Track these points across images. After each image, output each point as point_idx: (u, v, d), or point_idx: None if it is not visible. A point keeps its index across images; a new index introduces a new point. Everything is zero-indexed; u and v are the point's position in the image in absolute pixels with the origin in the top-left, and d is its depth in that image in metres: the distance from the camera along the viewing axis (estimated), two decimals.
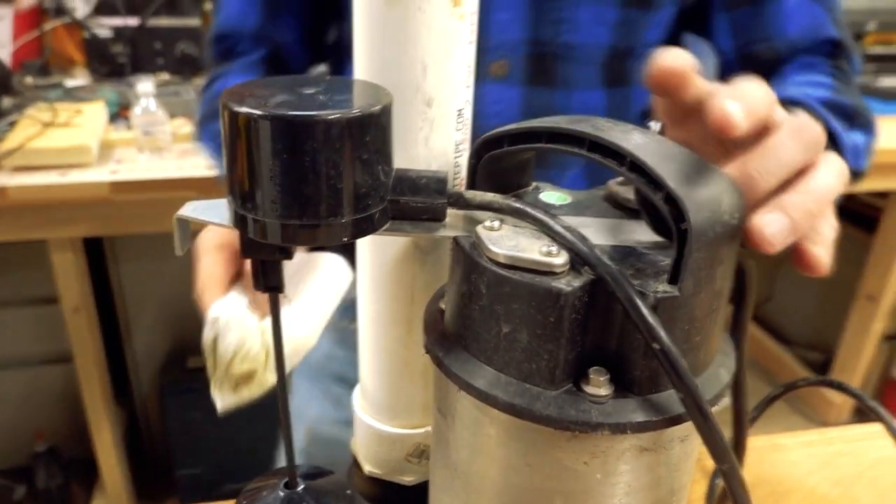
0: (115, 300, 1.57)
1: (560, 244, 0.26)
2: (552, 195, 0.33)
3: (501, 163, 0.32)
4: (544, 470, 0.27)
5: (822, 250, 0.31)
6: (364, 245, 0.37)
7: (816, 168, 0.30)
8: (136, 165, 1.19)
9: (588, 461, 0.27)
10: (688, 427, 0.28)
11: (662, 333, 0.24)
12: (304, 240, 0.27)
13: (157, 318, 1.61)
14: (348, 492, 0.37)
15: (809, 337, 2.20)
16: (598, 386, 0.26)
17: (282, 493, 0.36)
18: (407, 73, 0.31)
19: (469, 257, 0.27)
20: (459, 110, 0.33)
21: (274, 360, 0.36)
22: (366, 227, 0.28)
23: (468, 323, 0.28)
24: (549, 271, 0.25)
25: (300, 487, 0.36)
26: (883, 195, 1.82)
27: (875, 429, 0.67)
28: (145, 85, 1.20)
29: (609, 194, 0.32)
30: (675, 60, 0.29)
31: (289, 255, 0.30)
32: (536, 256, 0.25)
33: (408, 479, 0.41)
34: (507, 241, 0.26)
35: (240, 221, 0.28)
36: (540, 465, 0.27)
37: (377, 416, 0.40)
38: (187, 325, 1.62)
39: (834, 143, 0.49)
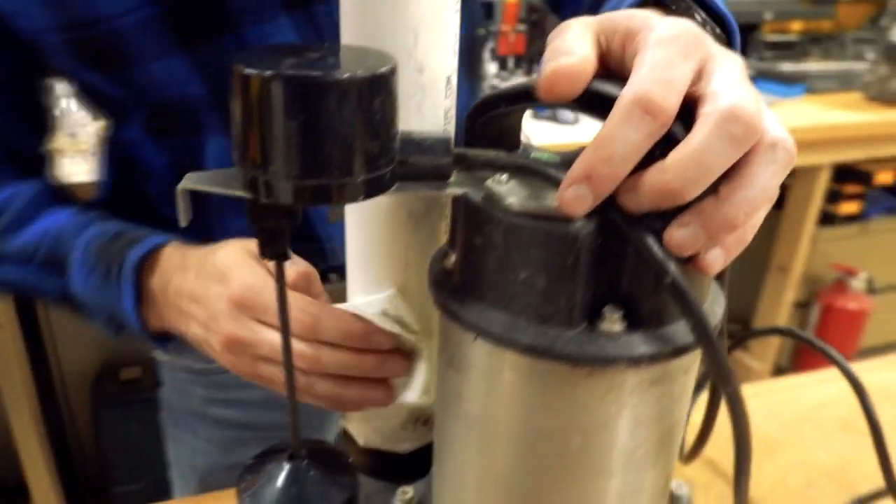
0: (39, 314, 1.49)
1: None
2: (542, 154, 0.34)
3: (493, 126, 0.33)
4: (562, 409, 0.29)
5: (720, 252, 0.27)
6: (355, 214, 0.37)
7: (751, 168, 0.26)
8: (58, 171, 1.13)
9: (603, 396, 0.28)
10: (690, 359, 0.30)
11: (672, 267, 0.26)
12: (317, 200, 0.28)
13: (84, 329, 1.54)
14: (350, 460, 0.37)
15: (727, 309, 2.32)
16: (613, 323, 0.27)
17: (286, 465, 0.36)
18: (399, 40, 0.32)
19: (482, 211, 0.28)
20: (448, 77, 0.34)
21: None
22: (377, 187, 0.28)
23: (482, 274, 0.29)
24: (563, 218, 0.26)
25: (303, 459, 0.36)
26: (790, 173, 1.94)
27: (814, 377, 0.72)
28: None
29: None
30: (558, 71, 0.26)
31: (296, 221, 0.30)
32: (551, 204, 0.27)
33: (404, 448, 0.42)
34: (519, 192, 0.28)
35: (251, 185, 0.28)
36: (558, 404, 0.29)
37: None
38: None
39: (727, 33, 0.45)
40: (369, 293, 0.39)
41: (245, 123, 0.27)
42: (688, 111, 0.26)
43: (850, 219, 1.98)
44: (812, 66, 2.04)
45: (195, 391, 0.67)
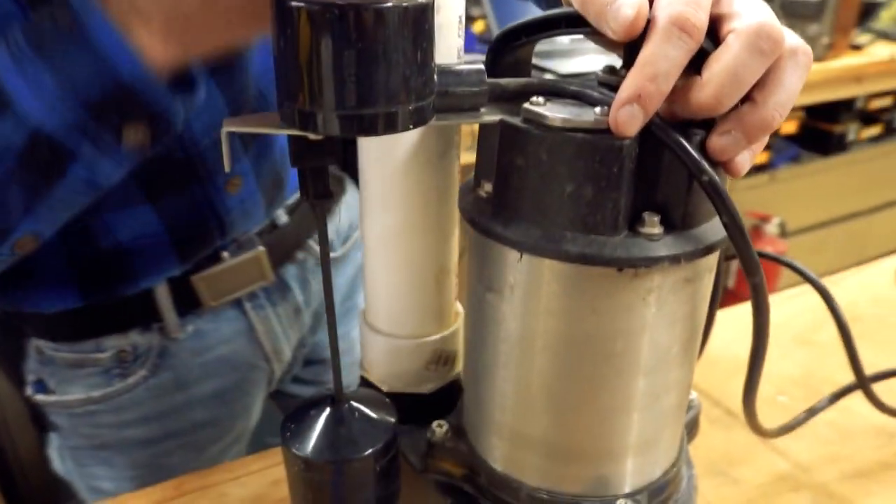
0: None
1: (605, 107, 0.29)
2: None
3: (509, 57, 0.34)
4: (608, 313, 0.31)
5: (749, 155, 0.31)
6: (371, 155, 0.38)
7: (780, 74, 0.29)
8: None
9: (645, 297, 0.31)
10: (714, 259, 0.33)
11: (707, 166, 0.28)
12: (364, 131, 0.28)
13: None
14: (387, 401, 0.38)
15: None
16: (653, 226, 0.30)
17: (330, 409, 0.36)
18: None
19: (524, 132, 0.30)
20: (459, 16, 0.36)
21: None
22: (420, 117, 0.29)
23: (525, 193, 0.30)
24: (606, 129, 0.28)
25: (346, 403, 0.37)
26: None
27: (780, 296, 0.77)
28: None
29: (600, 79, 0.36)
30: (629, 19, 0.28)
31: (337, 161, 0.31)
32: (593, 117, 0.29)
33: (427, 388, 0.43)
34: (560, 110, 0.29)
35: (299, 118, 0.28)
36: (605, 309, 0.31)
37: (394, 330, 0.42)
38: None
39: None
40: (393, 237, 0.39)
41: (289, 57, 0.27)
42: (711, 27, 0.28)
43: (760, 168, 2.11)
44: None
45: (102, 421, 0.61)
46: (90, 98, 0.35)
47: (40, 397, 0.60)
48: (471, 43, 1.67)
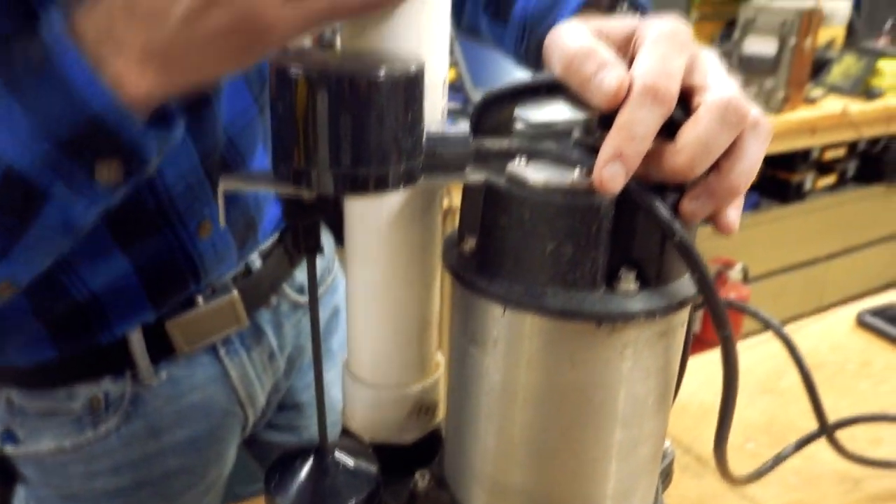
0: None
1: (583, 169, 0.31)
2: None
3: (493, 117, 0.36)
4: (588, 365, 0.32)
5: (736, 213, 0.33)
6: (356, 211, 0.39)
7: (744, 145, 0.31)
8: None
9: (622, 350, 0.32)
10: (685, 313, 0.34)
11: (679, 227, 0.30)
12: (356, 190, 0.30)
13: None
14: (370, 451, 0.39)
15: None
16: (629, 283, 0.31)
17: (314, 460, 0.37)
18: (405, 43, 0.35)
19: (507, 192, 0.31)
20: (443, 79, 0.37)
21: None
22: (410, 177, 0.31)
23: (508, 250, 0.32)
24: (585, 191, 0.30)
25: (329, 454, 0.37)
26: None
27: (744, 343, 0.80)
28: None
29: (577, 140, 0.38)
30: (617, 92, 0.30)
31: (328, 215, 0.32)
32: (573, 180, 0.30)
33: (409, 438, 0.44)
34: (540, 173, 0.31)
35: (294, 177, 0.29)
36: (584, 361, 0.32)
37: (377, 380, 0.42)
38: None
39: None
40: (376, 290, 0.40)
41: (288, 120, 0.29)
42: (683, 97, 0.30)
43: None
44: None
45: (72, 471, 0.60)
46: (62, 134, 0.34)
47: (9, 448, 0.59)
48: None
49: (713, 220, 0.32)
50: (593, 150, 0.32)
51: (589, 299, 0.31)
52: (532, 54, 0.51)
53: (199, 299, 0.59)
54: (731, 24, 2.53)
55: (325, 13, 0.31)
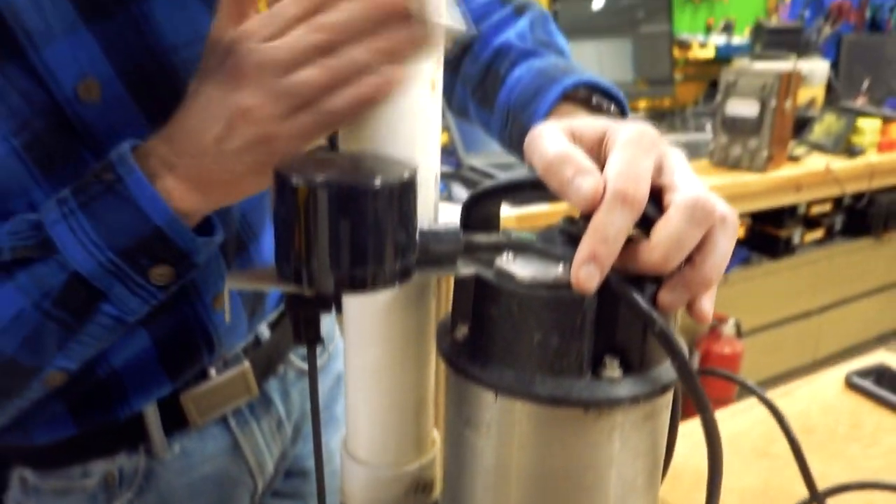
0: None
1: (566, 264, 0.33)
2: (521, 234, 0.40)
3: (481, 212, 0.39)
4: (577, 449, 0.34)
5: (710, 302, 0.35)
6: (353, 298, 0.41)
7: (714, 240, 0.33)
8: None
9: (610, 434, 0.34)
10: (669, 396, 0.36)
11: (658, 318, 0.32)
12: (354, 289, 0.32)
13: None
14: None
15: None
16: (613, 370, 0.33)
17: None
18: (399, 146, 0.37)
19: (496, 286, 0.33)
20: (435, 175, 0.40)
21: None
22: (405, 273, 0.33)
23: (498, 340, 0.34)
24: (569, 285, 0.32)
25: None
26: None
27: (727, 412, 0.81)
28: None
29: (562, 228, 0.40)
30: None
31: (328, 310, 0.34)
32: (557, 275, 0.32)
33: None
34: (527, 268, 0.33)
35: (295, 276, 0.31)
36: (574, 445, 0.34)
37: (375, 459, 0.44)
38: None
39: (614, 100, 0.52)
40: (372, 373, 0.42)
41: (290, 224, 0.31)
42: (654, 194, 0.33)
43: None
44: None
45: None
46: (125, 244, 0.41)
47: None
48: None
49: (688, 309, 0.34)
50: (576, 240, 0.35)
51: (576, 386, 0.32)
52: (515, 141, 0.54)
53: (212, 371, 0.61)
54: (714, 84, 2.62)
55: (319, 125, 0.36)
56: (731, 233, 0.33)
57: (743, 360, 2.20)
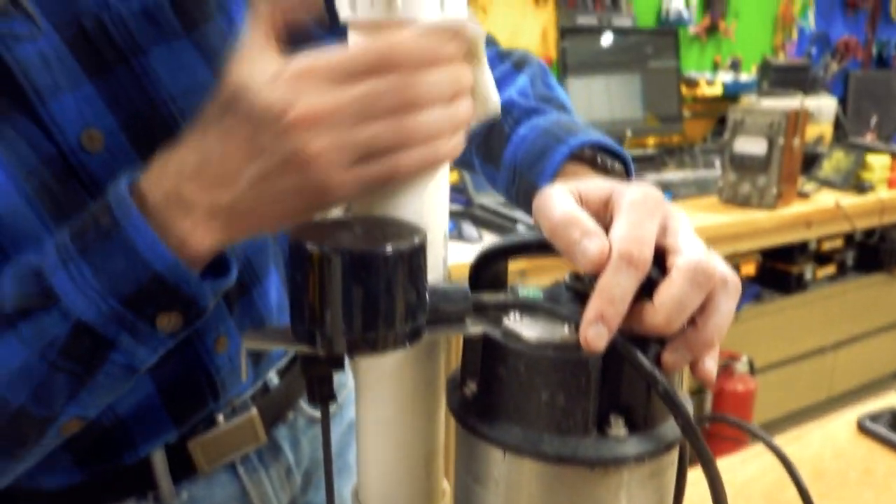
0: None
1: (572, 323, 0.34)
2: (528, 290, 0.41)
3: (489, 270, 0.40)
4: None
5: (713, 362, 0.36)
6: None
7: (716, 302, 0.34)
8: None
9: (616, 492, 0.34)
10: (674, 453, 0.37)
11: (662, 378, 0.33)
12: (367, 351, 0.33)
13: None
14: None
15: None
16: (618, 428, 0.34)
17: None
18: (410, 208, 0.39)
19: (504, 345, 0.34)
20: (444, 232, 0.41)
21: None
22: (416, 334, 0.34)
23: (506, 398, 0.34)
24: (575, 345, 0.33)
25: None
26: None
27: (735, 458, 0.81)
28: None
29: (568, 285, 0.42)
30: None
31: (341, 369, 0.35)
32: (563, 336, 0.33)
33: None
34: (534, 328, 0.34)
35: (309, 338, 0.33)
36: (580, 503, 0.34)
37: None
38: None
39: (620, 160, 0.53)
40: (382, 427, 0.43)
41: (304, 288, 0.32)
42: (658, 256, 0.34)
43: None
44: (671, 175, 2.31)
45: None
46: (126, 292, 0.39)
47: None
48: None
49: (692, 369, 0.35)
50: (582, 297, 0.36)
51: (582, 445, 0.33)
52: (522, 199, 0.55)
53: (220, 418, 0.62)
54: (722, 121, 2.63)
55: (377, 180, 0.36)
56: (732, 295, 0.34)
57: (756, 398, 2.18)
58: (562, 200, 0.35)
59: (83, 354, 0.41)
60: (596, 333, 0.32)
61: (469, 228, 1.64)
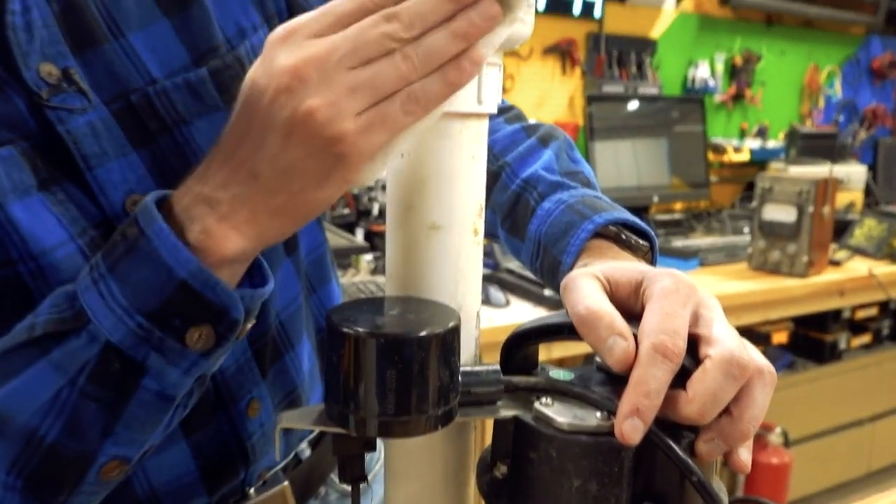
0: None
1: (604, 410, 0.34)
2: (559, 372, 0.41)
3: (521, 354, 0.40)
4: None
5: (747, 453, 0.36)
6: None
7: (751, 393, 0.34)
8: None
9: None
10: None
11: (696, 468, 0.32)
12: (399, 434, 0.33)
13: None
14: None
15: None
16: None
17: None
18: (443, 287, 0.39)
19: (536, 430, 0.34)
20: (477, 312, 0.42)
21: None
22: (448, 417, 0.34)
23: (536, 482, 0.34)
24: (607, 432, 0.33)
25: None
26: None
27: None
28: None
29: (599, 365, 0.42)
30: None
31: (373, 450, 0.35)
32: (596, 422, 0.33)
33: None
34: (566, 413, 0.34)
35: (342, 420, 0.33)
36: None
37: None
38: None
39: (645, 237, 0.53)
40: (410, 500, 0.43)
41: (339, 370, 0.33)
42: (691, 344, 0.34)
43: None
44: (700, 240, 2.30)
45: None
46: (152, 305, 0.38)
47: None
48: None
49: (726, 458, 0.35)
50: (612, 378, 0.36)
51: None
52: (547, 273, 0.56)
53: (251, 491, 0.61)
54: (749, 187, 2.63)
55: (404, 117, 0.33)
56: (768, 386, 0.34)
57: (792, 472, 2.10)
58: (589, 291, 0.36)
59: (113, 380, 0.40)
60: (632, 427, 0.32)
61: (496, 293, 1.64)
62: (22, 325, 0.41)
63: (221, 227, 0.37)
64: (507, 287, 1.70)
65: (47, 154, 0.46)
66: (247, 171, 0.36)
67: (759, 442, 2.10)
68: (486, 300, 1.62)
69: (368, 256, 1.77)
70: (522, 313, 1.58)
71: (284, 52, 0.34)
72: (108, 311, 0.39)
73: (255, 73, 0.35)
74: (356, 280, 1.66)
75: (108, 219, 0.49)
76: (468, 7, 0.33)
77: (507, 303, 1.63)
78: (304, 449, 0.67)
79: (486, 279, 1.73)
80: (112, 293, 0.38)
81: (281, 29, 0.34)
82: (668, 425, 0.34)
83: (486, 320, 1.50)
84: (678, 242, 2.22)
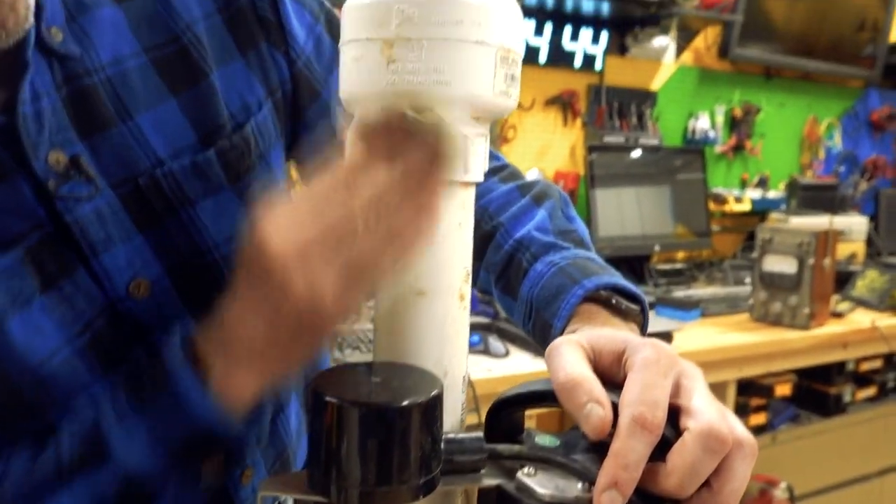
0: None
1: (585, 480, 0.34)
2: (545, 438, 0.41)
3: (505, 422, 0.40)
4: None
5: None
6: None
7: (731, 466, 0.34)
8: None
9: None
10: None
11: None
12: (381, 503, 0.33)
13: None
14: None
15: None
16: None
17: None
18: (429, 352, 0.40)
19: (518, 500, 0.34)
20: (464, 376, 0.42)
21: None
22: (430, 486, 0.34)
23: None
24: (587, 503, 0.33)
25: None
26: None
27: None
28: None
29: (585, 433, 0.42)
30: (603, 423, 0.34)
31: None
32: (576, 493, 0.33)
33: None
34: (547, 483, 0.34)
35: (323, 489, 0.33)
36: None
37: None
38: None
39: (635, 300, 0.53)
40: None
41: (321, 438, 0.33)
42: (671, 414, 0.34)
43: (760, 429, 2.11)
44: (701, 291, 2.29)
45: None
46: (177, 444, 0.41)
47: None
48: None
49: None
50: (598, 445, 0.36)
51: None
52: (538, 334, 0.56)
53: None
54: (751, 237, 2.64)
55: (366, 288, 0.37)
56: (748, 458, 0.34)
57: None
58: (571, 358, 0.36)
59: None
60: (610, 499, 0.32)
61: (496, 343, 1.64)
62: (47, 457, 0.43)
63: (236, 372, 0.41)
64: (506, 337, 1.69)
65: (57, 243, 0.46)
66: (257, 333, 0.40)
67: (764, 497, 2.06)
68: (486, 350, 1.61)
69: None
70: (522, 364, 1.57)
71: (285, 232, 0.36)
72: (132, 448, 0.42)
73: (256, 243, 0.37)
74: (355, 326, 1.66)
75: (111, 303, 0.50)
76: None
77: (507, 353, 1.62)
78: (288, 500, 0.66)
79: (486, 328, 1.72)
80: (137, 431, 0.42)
81: (283, 207, 0.38)
82: (648, 497, 0.34)
83: (485, 370, 1.49)
84: (680, 293, 2.22)
